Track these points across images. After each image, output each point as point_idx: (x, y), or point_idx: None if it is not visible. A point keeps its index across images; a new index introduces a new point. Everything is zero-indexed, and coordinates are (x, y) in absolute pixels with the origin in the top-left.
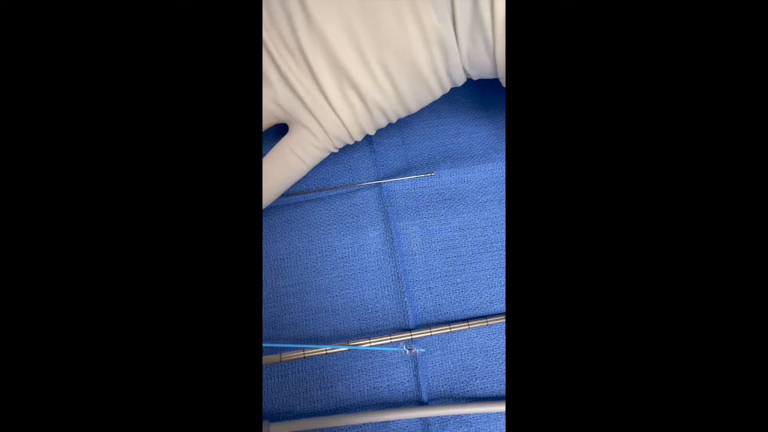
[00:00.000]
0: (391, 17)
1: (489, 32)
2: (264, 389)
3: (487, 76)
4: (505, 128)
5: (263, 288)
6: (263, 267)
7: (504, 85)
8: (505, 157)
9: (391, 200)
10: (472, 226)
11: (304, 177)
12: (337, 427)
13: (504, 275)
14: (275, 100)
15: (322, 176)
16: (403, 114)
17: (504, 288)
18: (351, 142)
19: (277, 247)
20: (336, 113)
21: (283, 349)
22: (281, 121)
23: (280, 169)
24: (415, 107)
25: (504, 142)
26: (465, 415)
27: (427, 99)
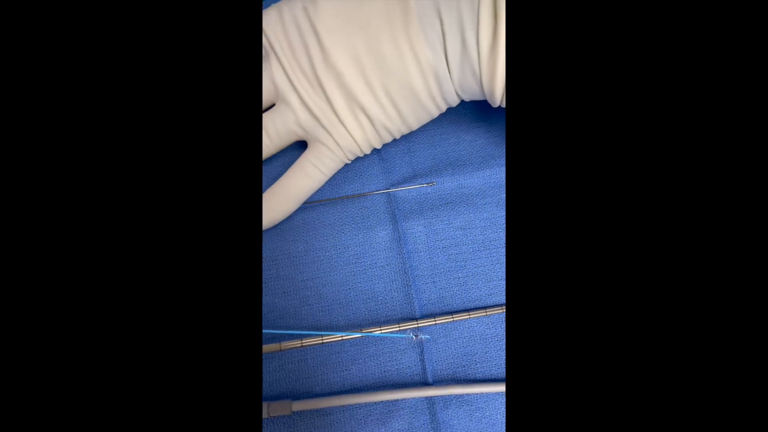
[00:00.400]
0: (392, 52)
1: (476, 64)
2: (285, 372)
3: (477, 98)
4: (502, 137)
5: (284, 282)
6: (284, 263)
7: (492, 105)
8: (502, 164)
9: (398, 203)
10: (473, 226)
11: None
12: (352, 404)
13: (502, 270)
14: (297, 122)
15: (336, 182)
16: (405, 131)
17: (502, 282)
18: (361, 155)
19: (296, 246)
20: (348, 131)
21: (303, 336)
22: (301, 139)
23: (302, 179)
24: (415, 126)
25: (501, 150)
26: (466, 395)
27: (426, 119)
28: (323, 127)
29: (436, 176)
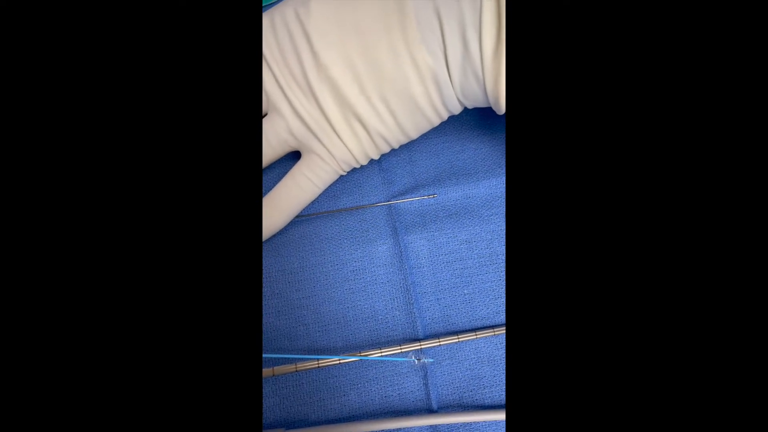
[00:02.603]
0: (388, 56)
1: (479, 67)
2: (279, 398)
3: (480, 104)
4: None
5: (278, 300)
6: (278, 280)
7: (497, 112)
8: None
9: (399, 215)
10: (478, 239)
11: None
12: None
13: None
14: (289, 132)
15: (334, 193)
16: (404, 141)
17: None
18: (357, 166)
19: (291, 261)
20: (343, 141)
21: (297, 360)
22: (294, 149)
23: (294, 191)
24: (415, 135)
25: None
26: (473, 423)
27: (426, 127)
28: (316, 136)
29: (439, 187)
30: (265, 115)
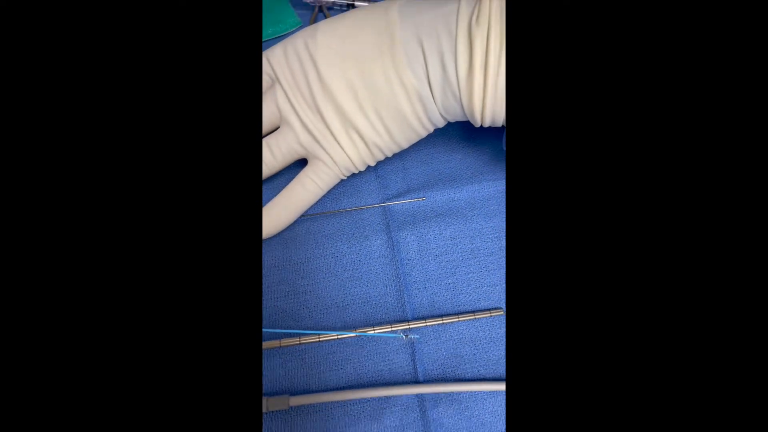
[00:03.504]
0: (381, 78)
1: (455, 86)
2: (285, 370)
3: (459, 119)
4: (490, 155)
5: (285, 286)
6: (286, 269)
7: (474, 125)
8: (490, 179)
9: (393, 216)
10: (462, 236)
11: (322, 196)
12: (346, 400)
13: (490, 277)
14: (298, 142)
15: (335, 196)
16: (396, 150)
17: (490, 288)
18: (356, 171)
19: (297, 253)
20: (343, 149)
21: (301, 334)
22: (302, 157)
23: (301, 193)
24: (405, 144)
25: (489, 167)
26: (455, 393)
27: (414, 138)
28: (321, 145)
29: (429, 191)
30: (278, 128)
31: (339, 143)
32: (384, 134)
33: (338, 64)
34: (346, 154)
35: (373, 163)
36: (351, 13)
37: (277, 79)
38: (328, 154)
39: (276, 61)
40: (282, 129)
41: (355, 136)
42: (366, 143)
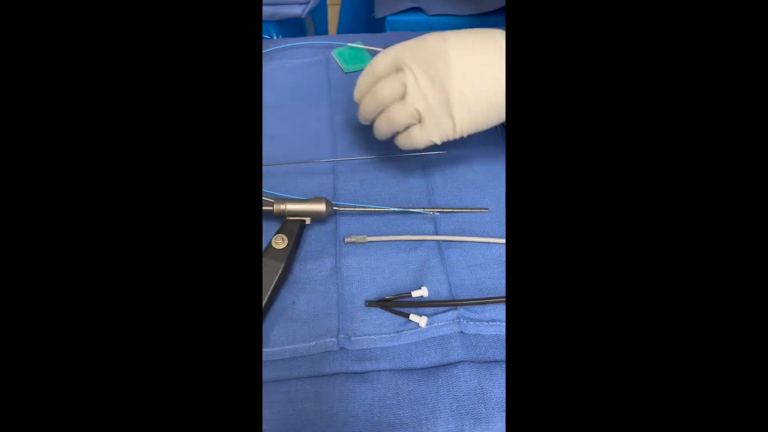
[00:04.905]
0: (487, 90)
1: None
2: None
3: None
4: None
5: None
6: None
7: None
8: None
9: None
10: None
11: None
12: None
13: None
14: (416, 109)
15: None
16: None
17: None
18: (439, 143)
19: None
20: (450, 121)
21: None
22: (416, 122)
23: (406, 139)
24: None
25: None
26: (462, 243)
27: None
28: (433, 113)
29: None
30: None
31: (451, 115)
32: (469, 123)
33: (470, 56)
34: (446, 126)
35: (451, 139)
36: (473, 31)
37: (406, 64)
38: (435, 123)
39: (405, 52)
40: (406, 99)
41: (450, 117)
42: (454, 125)
